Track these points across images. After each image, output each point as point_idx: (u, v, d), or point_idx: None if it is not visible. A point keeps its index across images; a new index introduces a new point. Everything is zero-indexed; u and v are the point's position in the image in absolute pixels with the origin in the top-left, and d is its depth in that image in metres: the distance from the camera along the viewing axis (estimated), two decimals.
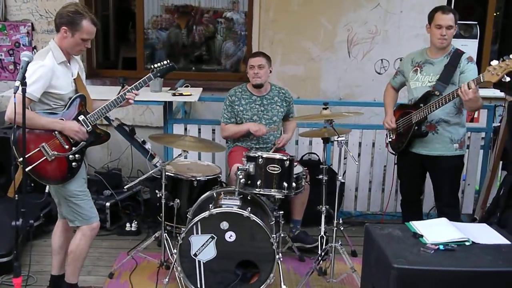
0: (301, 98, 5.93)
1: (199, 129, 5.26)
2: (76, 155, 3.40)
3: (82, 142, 3.39)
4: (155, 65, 3.78)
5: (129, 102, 3.60)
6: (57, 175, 3.37)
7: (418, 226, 3.11)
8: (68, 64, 3.41)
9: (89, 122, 3.44)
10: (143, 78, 3.66)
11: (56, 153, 3.30)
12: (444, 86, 3.95)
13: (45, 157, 3.28)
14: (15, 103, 2.71)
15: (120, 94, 3.56)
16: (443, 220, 3.23)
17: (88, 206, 3.52)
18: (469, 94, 3.62)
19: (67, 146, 3.36)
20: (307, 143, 5.30)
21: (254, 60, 4.63)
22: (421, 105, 4.00)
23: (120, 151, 5.94)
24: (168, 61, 3.82)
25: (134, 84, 3.63)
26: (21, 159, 3.06)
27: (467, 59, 4.00)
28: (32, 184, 4.78)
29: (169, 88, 5.17)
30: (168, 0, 7.53)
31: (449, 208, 4.09)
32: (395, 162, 4.85)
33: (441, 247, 2.84)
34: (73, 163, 3.39)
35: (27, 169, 3.18)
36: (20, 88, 2.69)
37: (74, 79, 3.44)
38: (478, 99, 3.73)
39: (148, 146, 4.19)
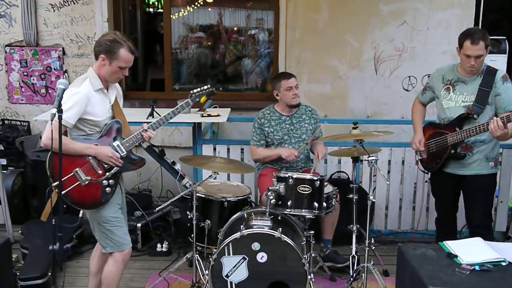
0: (328, 117, 5.93)
1: (228, 149, 5.28)
2: (110, 181, 3.39)
3: (115, 167, 3.41)
4: (194, 90, 3.75)
5: (144, 140, 3.56)
6: (91, 201, 3.37)
7: (452, 246, 3.06)
8: (106, 91, 3.42)
9: (124, 148, 3.44)
10: (181, 104, 3.63)
11: (89, 178, 3.31)
12: (481, 108, 3.88)
13: (78, 182, 3.30)
14: (52, 130, 2.76)
15: (138, 131, 3.51)
16: (478, 239, 3.17)
17: (121, 232, 3.50)
18: (498, 132, 3.62)
19: (100, 172, 3.36)
20: (336, 162, 5.28)
21: (290, 81, 4.61)
22: (457, 128, 3.95)
23: (150, 172, 6.00)
24: (209, 86, 3.78)
25: (166, 113, 3.60)
26: (56, 183, 3.06)
27: (502, 78, 3.91)
28: (65, 206, 4.85)
29: (197, 109, 5.22)
30: (193, 20, 7.63)
31: (482, 229, 3.96)
32: (426, 180, 4.82)
33: (477, 267, 2.79)
34: (107, 189, 3.38)
35: (62, 193, 3.13)
36: (57, 115, 2.74)
37: (111, 105, 3.46)
38: (507, 134, 3.70)
39: (177, 167, 4.22)
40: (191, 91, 3.78)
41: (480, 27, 5.77)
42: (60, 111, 2.75)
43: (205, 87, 3.77)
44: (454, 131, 3.96)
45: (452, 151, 3.99)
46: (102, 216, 3.43)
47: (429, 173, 4.41)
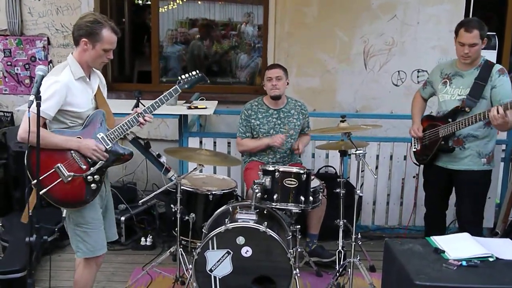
0: (317, 111, 5.89)
1: (215, 142, 5.21)
2: (95, 176, 3.13)
3: (100, 162, 3.14)
4: (183, 76, 3.60)
5: (141, 126, 3.37)
6: (75, 198, 3.12)
7: (439, 241, 3.03)
8: (88, 79, 3.19)
9: (109, 140, 3.20)
10: (168, 91, 3.44)
11: (72, 174, 3.05)
12: (474, 101, 3.85)
13: (60, 179, 3.05)
14: (29, 120, 2.60)
15: (133, 116, 3.32)
16: (465, 235, 3.14)
17: (97, 236, 3.24)
18: (498, 119, 3.56)
19: (84, 166, 3.10)
20: (324, 156, 5.23)
21: (271, 71, 4.58)
22: (450, 120, 3.92)
23: (135, 165, 5.90)
24: (198, 71, 3.66)
25: (155, 100, 3.41)
26: (35, 181, 2.83)
27: (498, 71, 3.88)
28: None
29: (184, 101, 5.14)
30: (183, 14, 7.55)
31: (470, 225, 3.92)
32: (414, 175, 4.79)
33: (464, 263, 2.77)
34: (92, 185, 3.13)
35: (41, 193, 2.95)
36: (35, 103, 2.58)
37: (94, 95, 3.22)
38: (508, 123, 3.63)
39: (163, 159, 4.15)
40: (179, 77, 3.62)
41: None
42: (38, 98, 2.60)
43: (194, 72, 3.65)
44: (446, 123, 3.93)
45: (443, 142, 3.96)
46: (82, 216, 3.18)
47: (419, 168, 4.38)
